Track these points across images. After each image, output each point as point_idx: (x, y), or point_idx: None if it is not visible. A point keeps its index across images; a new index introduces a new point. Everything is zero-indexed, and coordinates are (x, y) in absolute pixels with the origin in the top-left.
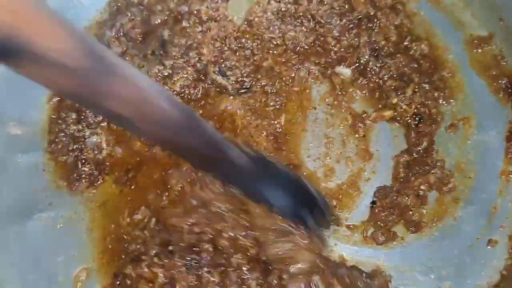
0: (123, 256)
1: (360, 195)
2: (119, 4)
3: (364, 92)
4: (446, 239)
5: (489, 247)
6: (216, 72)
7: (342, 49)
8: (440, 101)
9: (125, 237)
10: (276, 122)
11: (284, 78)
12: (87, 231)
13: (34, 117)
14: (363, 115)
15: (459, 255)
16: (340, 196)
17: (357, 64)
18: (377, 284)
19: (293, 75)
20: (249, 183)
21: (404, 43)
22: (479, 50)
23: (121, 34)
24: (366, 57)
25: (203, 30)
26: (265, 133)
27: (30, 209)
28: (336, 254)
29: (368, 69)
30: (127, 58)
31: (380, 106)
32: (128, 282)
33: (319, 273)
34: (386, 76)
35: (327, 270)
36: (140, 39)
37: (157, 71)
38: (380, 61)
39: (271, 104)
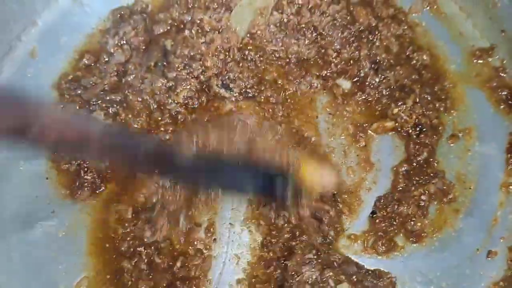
0: (114, 256)
1: (361, 205)
2: (122, 13)
3: (364, 103)
4: (446, 250)
5: (489, 258)
6: (219, 86)
7: (342, 62)
8: (442, 111)
9: (112, 235)
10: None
11: (287, 92)
12: (88, 238)
13: None
14: (365, 125)
15: (459, 266)
16: (341, 206)
17: (357, 78)
18: (384, 285)
19: (295, 89)
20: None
21: (406, 53)
22: (480, 61)
23: (124, 42)
24: (366, 70)
25: (206, 42)
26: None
27: (33, 217)
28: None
29: (367, 83)
30: (130, 67)
31: (381, 116)
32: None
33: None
34: (385, 90)
35: (339, 266)
36: (143, 47)
37: (160, 84)
38: (380, 75)
39: (280, 114)
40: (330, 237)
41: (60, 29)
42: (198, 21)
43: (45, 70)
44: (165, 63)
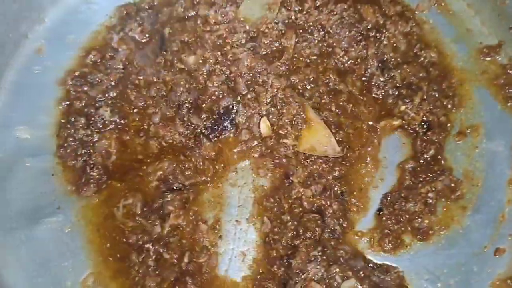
0: (121, 246)
1: (368, 202)
2: (128, 10)
3: (372, 102)
4: (453, 248)
5: (496, 255)
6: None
7: (350, 61)
8: (449, 108)
9: (121, 226)
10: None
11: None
12: (94, 234)
13: (43, 122)
14: (375, 125)
15: (466, 263)
16: (349, 204)
17: (364, 78)
18: (392, 279)
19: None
20: None
21: (414, 51)
22: (488, 59)
23: (129, 37)
24: (373, 69)
25: (210, 30)
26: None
27: (39, 214)
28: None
29: (373, 82)
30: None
31: (388, 114)
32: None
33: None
34: (391, 90)
35: (346, 262)
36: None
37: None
38: (386, 75)
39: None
40: (337, 233)
41: (67, 26)
42: (203, 16)
43: (51, 67)
44: (163, 51)
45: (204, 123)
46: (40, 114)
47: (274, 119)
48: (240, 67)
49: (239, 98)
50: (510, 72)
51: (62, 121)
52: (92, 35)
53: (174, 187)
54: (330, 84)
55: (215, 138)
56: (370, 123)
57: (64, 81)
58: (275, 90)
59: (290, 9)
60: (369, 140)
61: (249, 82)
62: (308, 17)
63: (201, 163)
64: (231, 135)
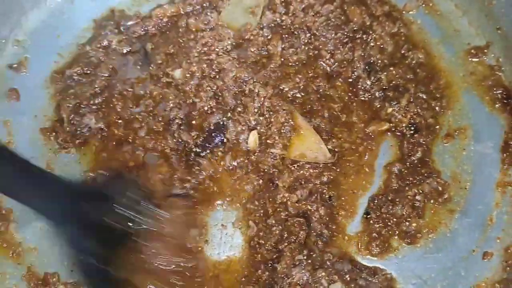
0: None
1: (357, 206)
2: (113, 18)
3: (361, 105)
4: (441, 251)
5: (484, 259)
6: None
7: (336, 63)
8: (437, 110)
9: None
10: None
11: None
12: None
13: None
14: (367, 131)
15: (454, 267)
16: (337, 208)
17: (350, 80)
18: (379, 282)
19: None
20: None
21: (401, 52)
22: (476, 60)
23: (112, 48)
24: (360, 71)
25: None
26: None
27: (26, 217)
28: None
29: (359, 86)
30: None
31: (376, 118)
32: None
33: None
34: (378, 92)
35: (332, 266)
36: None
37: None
38: (373, 78)
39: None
40: (325, 236)
41: (49, 31)
42: (184, 25)
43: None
44: (149, 67)
45: (195, 140)
46: None
47: (262, 130)
48: (226, 80)
49: (229, 114)
50: (497, 73)
51: None
52: (76, 40)
53: None
54: (320, 90)
55: (208, 155)
56: (365, 130)
57: (47, 87)
58: (262, 99)
59: (275, 11)
60: (365, 150)
61: (236, 93)
62: (294, 19)
63: (201, 181)
64: (219, 153)
